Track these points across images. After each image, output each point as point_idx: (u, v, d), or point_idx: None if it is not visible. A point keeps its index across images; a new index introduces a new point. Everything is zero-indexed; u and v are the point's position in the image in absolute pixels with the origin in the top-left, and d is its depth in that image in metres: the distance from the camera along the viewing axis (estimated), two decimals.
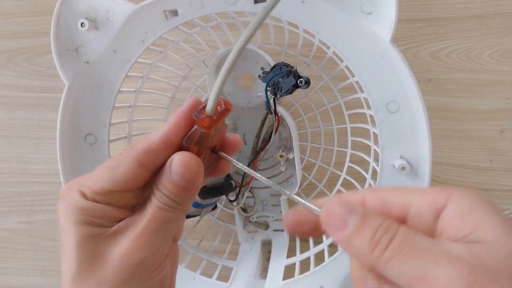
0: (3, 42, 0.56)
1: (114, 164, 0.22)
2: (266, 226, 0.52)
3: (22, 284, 0.60)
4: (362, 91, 0.36)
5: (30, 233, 0.60)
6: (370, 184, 0.40)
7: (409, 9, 0.50)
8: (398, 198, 0.21)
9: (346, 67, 0.38)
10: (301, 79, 0.38)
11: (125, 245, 0.22)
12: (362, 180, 0.43)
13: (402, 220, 0.20)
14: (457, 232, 0.18)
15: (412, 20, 0.50)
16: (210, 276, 0.44)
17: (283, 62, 0.39)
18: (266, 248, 0.51)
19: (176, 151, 0.22)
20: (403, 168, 0.34)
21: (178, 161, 0.22)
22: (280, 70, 0.39)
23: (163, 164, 0.22)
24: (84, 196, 0.22)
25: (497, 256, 0.17)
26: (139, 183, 0.22)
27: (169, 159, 0.22)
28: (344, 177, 0.47)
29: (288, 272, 0.43)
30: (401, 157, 0.35)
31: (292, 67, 0.39)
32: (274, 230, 0.51)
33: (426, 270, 0.17)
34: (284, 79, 0.38)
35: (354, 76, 0.35)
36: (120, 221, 0.22)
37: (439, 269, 0.17)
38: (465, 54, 0.50)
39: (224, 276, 0.45)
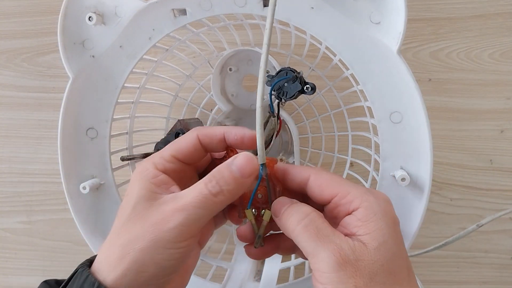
0: (3, 42, 0.56)
1: (179, 140, 0.29)
2: None
3: (22, 284, 0.60)
4: (366, 99, 0.36)
5: (29, 233, 0.59)
6: None
7: (409, 9, 0.49)
8: (334, 187, 0.26)
9: (351, 75, 0.38)
10: (307, 86, 0.38)
11: (162, 214, 0.25)
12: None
13: (325, 202, 0.27)
14: (354, 231, 0.24)
15: (412, 20, 0.50)
16: (204, 276, 0.44)
17: (289, 67, 0.39)
18: None
19: (224, 149, 0.29)
20: (403, 179, 0.34)
21: (244, 156, 0.26)
22: (286, 75, 0.38)
23: (213, 151, 0.29)
24: (155, 166, 0.27)
25: (369, 258, 0.23)
26: (194, 156, 0.28)
27: (236, 155, 0.27)
28: None
29: (283, 276, 0.44)
30: (402, 168, 0.35)
31: (299, 73, 0.39)
32: None
33: (316, 250, 0.24)
34: (289, 84, 0.38)
35: (359, 85, 0.35)
36: (171, 193, 0.26)
37: (324, 252, 0.23)
38: (465, 54, 0.50)
39: (219, 275, 0.45)
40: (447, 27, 0.50)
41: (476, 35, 0.50)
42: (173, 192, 0.26)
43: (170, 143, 0.29)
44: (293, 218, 0.25)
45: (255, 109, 0.49)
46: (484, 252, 0.53)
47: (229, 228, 0.52)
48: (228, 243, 0.51)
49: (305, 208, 0.26)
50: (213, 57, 0.48)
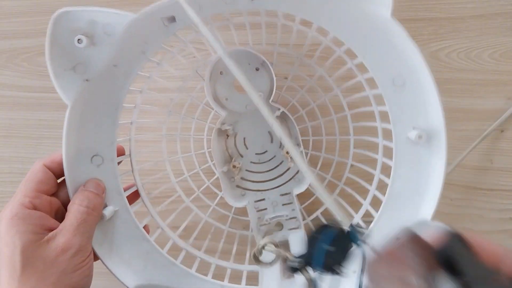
0: (3, 42, 0.55)
1: (30, 175, 0.34)
2: (280, 226, 0.51)
3: None
4: (367, 80, 0.36)
5: None
6: (374, 195, 0.41)
7: (409, 9, 0.50)
8: None
9: (357, 65, 0.38)
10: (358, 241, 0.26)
11: (58, 247, 0.30)
12: (364, 190, 0.43)
13: None
14: None
15: (412, 20, 0.50)
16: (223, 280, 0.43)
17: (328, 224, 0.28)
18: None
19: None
20: (420, 137, 0.34)
21: (92, 181, 0.36)
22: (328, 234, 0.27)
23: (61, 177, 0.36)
24: (23, 205, 0.31)
25: None
26: (53, 185, 0.35)
27: (85, 182, 0.36)
28: (341, 187, 0.47)
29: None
30: (414, 128, 0.36)
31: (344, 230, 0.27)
32: (289, 229, 0.51)
33: None
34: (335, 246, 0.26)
35: (357, 58, 0.36)
36: (50, 230, 0.31)
37: None
38: (465, 54, 0.51)
39: (218, 275, 0.43)
40: (447, 27, 0.50)
41: (476, 35, 0.50)
42: (52, 227, 0.31)
43: (24, 182, 0.33)
44: None
45: (251, 109, 0.49)
46: None
47: (248, 233, 0.51)
48: (240, 245, 0.49)
49: None
50: (201, 65, 0.48)
